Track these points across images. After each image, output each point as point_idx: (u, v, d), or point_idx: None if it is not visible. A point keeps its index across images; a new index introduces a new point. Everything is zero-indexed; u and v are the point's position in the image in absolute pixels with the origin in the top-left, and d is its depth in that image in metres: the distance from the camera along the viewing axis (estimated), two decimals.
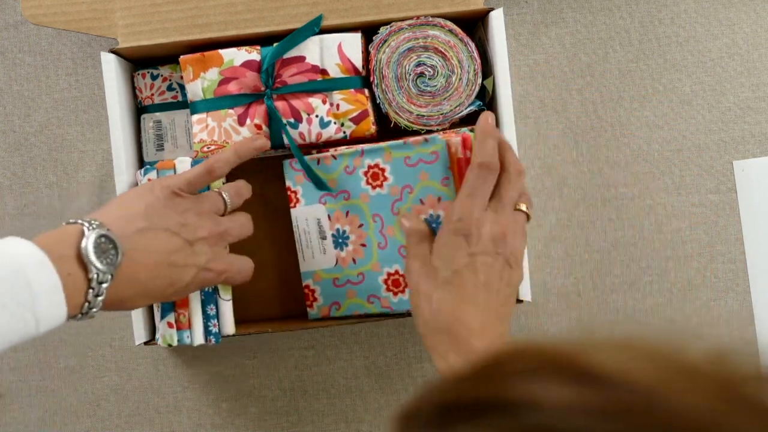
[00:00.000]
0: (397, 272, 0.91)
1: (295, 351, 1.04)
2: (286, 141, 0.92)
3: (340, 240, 0.93)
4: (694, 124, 1.04)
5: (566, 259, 1.04)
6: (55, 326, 0.68)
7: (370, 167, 0.91)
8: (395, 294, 0.91)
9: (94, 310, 0.71)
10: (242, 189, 0.88)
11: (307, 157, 0.92)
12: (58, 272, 0.68)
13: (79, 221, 0.73)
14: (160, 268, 0.75)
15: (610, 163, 1.04)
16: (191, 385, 1.05)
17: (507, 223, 0.78)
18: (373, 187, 0.91)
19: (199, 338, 0.86)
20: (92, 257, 0.70)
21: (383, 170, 0.90)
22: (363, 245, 0.92)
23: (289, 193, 0.95)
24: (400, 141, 0.89)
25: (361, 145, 0.91)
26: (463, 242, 0.76)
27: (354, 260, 0.92)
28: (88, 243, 0.70)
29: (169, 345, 0.87)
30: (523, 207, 0.80)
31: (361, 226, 0.91)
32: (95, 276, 0.70)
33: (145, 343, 0.92)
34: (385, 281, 0.91)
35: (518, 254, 0.79)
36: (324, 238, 0.93)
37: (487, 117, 0.81)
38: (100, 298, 0.71)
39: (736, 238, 1.04)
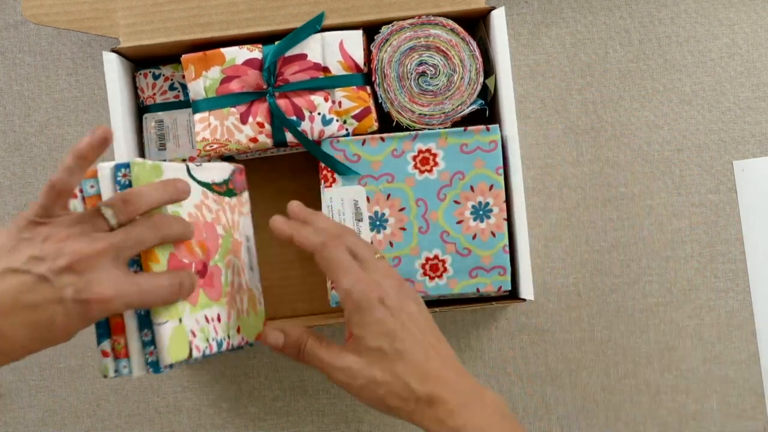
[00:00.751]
0: (436, 257, 0.92)
1: None
2: (288, 138, 0.92)
3: (378, 223, 0.93)
4: (694, 124, 1.04)
5: (566, 259, 1.04)
6: None
7: (420, 151, 0.92)
8: (432, 279, 0.92)
9: None
10: (144, 195, 0.68)
11: (352, 138, 0.92)
12: None
13: None
14: (14, 314, 0.63)
15: (610, 163, 1.04)
16: (191, 385, 1.04)
17: (389, 270, 0.77)
18: (421, 172, 0.92)
19: (138, 369, 0.72)
20: None
21: (435, 155, 0.92)
22: (403, 229, 0.92)
23: (325, 173, 0.93)
24: (460, 128, 0.91)
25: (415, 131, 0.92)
26: (377, 305, 0.74)
27: (391, 243, 0.92)
28: None
29: (105, 376, 0.74)
30: (379, 254, 0.79)
31: (402, 209, 0.92)
32: None
33: None
34: (423, 266, 0.92)
35: (393, 283, 0.77)
36: (360, 219, 0.93)
37: (275, 222, 0.79)
38: None
39: (736, 238, 1.04)
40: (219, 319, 0.76)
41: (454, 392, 0.72)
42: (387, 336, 0.73)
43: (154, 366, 0.71)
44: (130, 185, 0.68)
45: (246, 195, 0.85)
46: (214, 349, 0.74)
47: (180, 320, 0.71)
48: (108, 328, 0.71)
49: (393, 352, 0.73)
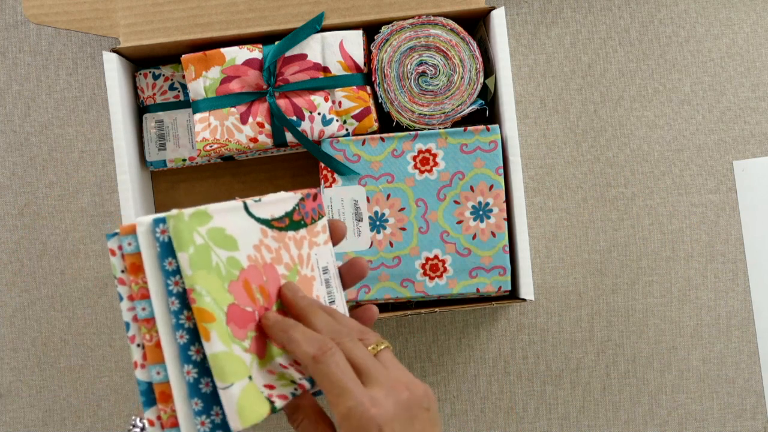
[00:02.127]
0: (436, 257, 0.92)
1: None
2: (288, 138, 0.92)
3: (378, 222, 0.93)
4: (694, 124, 1.04)
5: (566, 259, 1.04)
6: None
7: (420, 152, 0.92)
8: (431, 279, 0.92)
9: None
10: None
11: (352, 138, 0.92)
12: None
13: None
14: None
15: (610, 163, 1.04)
16: None
17: (392, 381, 0.64)
18: (421, 172, 0.92)
19: None
20: None
21: (435, 155, 0.92)
22: (402, 229, 0.92)
23: (325, 173, 0.93)
24: (460, 128, 0.91)
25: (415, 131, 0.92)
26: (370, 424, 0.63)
27: (391, 243, 0.93)
28: None
29: None
30: (381, 345, 0.67)
31: (402, 209, 0.92)
32: None
33: None
34: (423, 266, 0.92)
35: (421, 389, 0.65)
36: (360, 219, 0.93)
37: (267, 320, 0.67)
38: None
39: (736, 238, 1.04)
40: (298, 362, 0.68)
41: None
42: None
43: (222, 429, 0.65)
44: (170, 242, 0.63)
45: (322, 222, 0.75)
46: (307, 386, 0.67)
47: (250, 377, 0.64)
48: (153, 395, 0.65)
49: None
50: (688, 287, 1.04)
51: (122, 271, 0.65)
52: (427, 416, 0.64)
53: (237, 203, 0.68)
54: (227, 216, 0.66)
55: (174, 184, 1.03)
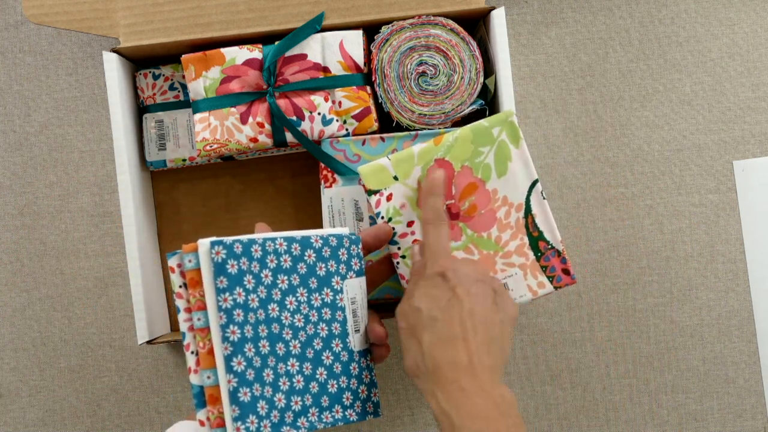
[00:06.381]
0: None
1: None
2: (288, 138, 0.92)
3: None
4: (694, 124, 1.04)
5: None
6: None
7: None
8: None
9: None
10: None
11: (352, 138, 0.92)
12: None
13: None
14: None
15: (610, 163, 1.04)
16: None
17: (479, 259, 0.79)
18: None
19: None
20: None
21: None
22: None
23: (325, 173, 0.93)
24: (458, 128, 0.90)
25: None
26: (440, 279, 0.76)
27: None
28: None
29: None
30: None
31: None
32: None
33: (148, 343, 0.92)
34: None
35: (500, 284, 0.80)
36: (360, 219, 0.93)
37: (434, 172, 0.83)
38: None
39: (736, 238, 1.04)
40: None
41: (459, 377, 0.71)
42: (433, 300, 0.75)
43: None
44: (222, 263, 0.71)
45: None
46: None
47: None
48: (204, 398, 0.73)
49: (429, 318, 0.75)
50: (688, 287, 1.04)
51: (180, 286, 0.73)
52: (489, 292, 0.77)
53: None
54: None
55: (174, 184, 1.03)
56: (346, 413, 0.77)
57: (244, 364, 0.71)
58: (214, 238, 0.71)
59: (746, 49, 1.04)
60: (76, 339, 1.05)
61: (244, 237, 0.72)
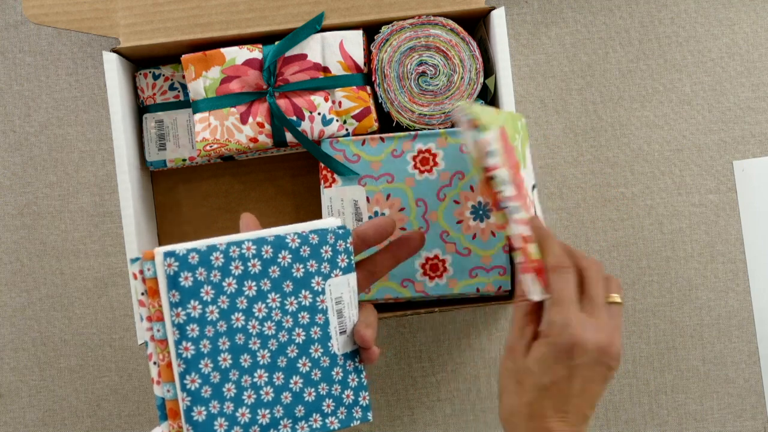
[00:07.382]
0: (436, 257, 0.92)
1: None
2: (288, 138, 0.92)
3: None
4: (694, 124, 1.04)
5: None
6: None
7: (420, 152, 0.91)
8: (432, 279, 0.92)
9: None
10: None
11: (352, 138, 0.92)
12: None
13: None
14: None
15: (610, 163, 1.04)
16: None
17: (608, 327, 0.73)
18: (421, 172, 0.91)
19: None
20: None
21: (435, 155, 0.91)
22: (402, 229, 0.92)
23: (325, 173, 0.93)
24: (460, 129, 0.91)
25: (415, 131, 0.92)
26: (565, 355, 0.71)
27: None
28: None
29: None
30: (617, 297, 0.75)
31: (402, 209, 0.92)
32: None
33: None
34: (423, 265, 0.92)
35: (619, 351, 0.74)
36: (360, 220, 0.93)
37: (534, 222, 0.77)
38: None
39: (736, 238, 1.04)
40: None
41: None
42: (549, 372, 0.72)
43: None
44: (174, 275, 0.67)
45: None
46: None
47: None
48: (165, 411, 0.70)
49: (539, 384, 0.72)
50: (688, 287, 1.04)
51: (142, 294, 0.69)
52: (606, 372, 0.72)
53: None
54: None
55: (174, 184, 1.03)
56: (327, 421, 0.73)
57: (199, 381, 0.67)
58: (167, 248, 0.67)
59: (746, 49, 1.04)
60: (76, 339, 1.05)
61: (204, 243, 0.68)
